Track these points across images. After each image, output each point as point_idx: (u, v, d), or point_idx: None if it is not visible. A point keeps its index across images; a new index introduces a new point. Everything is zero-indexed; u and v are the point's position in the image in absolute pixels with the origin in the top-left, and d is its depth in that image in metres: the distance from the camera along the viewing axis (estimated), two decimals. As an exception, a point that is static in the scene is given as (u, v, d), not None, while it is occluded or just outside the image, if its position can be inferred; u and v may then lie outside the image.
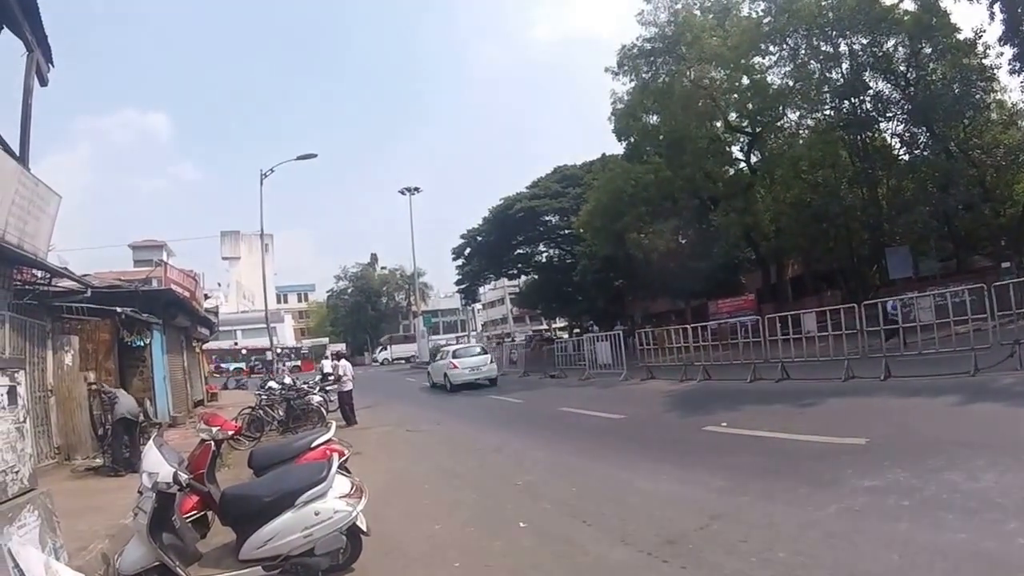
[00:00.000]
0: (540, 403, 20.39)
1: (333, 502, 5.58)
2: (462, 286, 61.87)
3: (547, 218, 52.67)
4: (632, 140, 37.86)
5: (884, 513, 5.81)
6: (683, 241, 38.84)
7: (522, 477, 9.61)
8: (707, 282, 38.33)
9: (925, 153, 32.00)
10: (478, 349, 33.79)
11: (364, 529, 5.90)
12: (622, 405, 16.39)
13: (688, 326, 21.67)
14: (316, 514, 5.46)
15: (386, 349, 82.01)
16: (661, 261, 35.83)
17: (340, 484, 5.80)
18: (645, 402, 16.94)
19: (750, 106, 34.32)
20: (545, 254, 57.73)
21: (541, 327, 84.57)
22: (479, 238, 56.05)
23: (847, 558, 5.00)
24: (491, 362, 30.39)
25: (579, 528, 6.80)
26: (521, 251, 56.71)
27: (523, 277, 62.96)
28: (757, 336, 18.07)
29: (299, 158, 36.22)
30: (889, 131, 33.82)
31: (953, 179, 28.75)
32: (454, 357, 30.28)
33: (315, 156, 36.58)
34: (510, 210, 51.91)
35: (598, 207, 37.58)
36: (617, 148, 40.27)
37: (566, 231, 50.94)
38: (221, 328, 45.05)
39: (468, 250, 57.68)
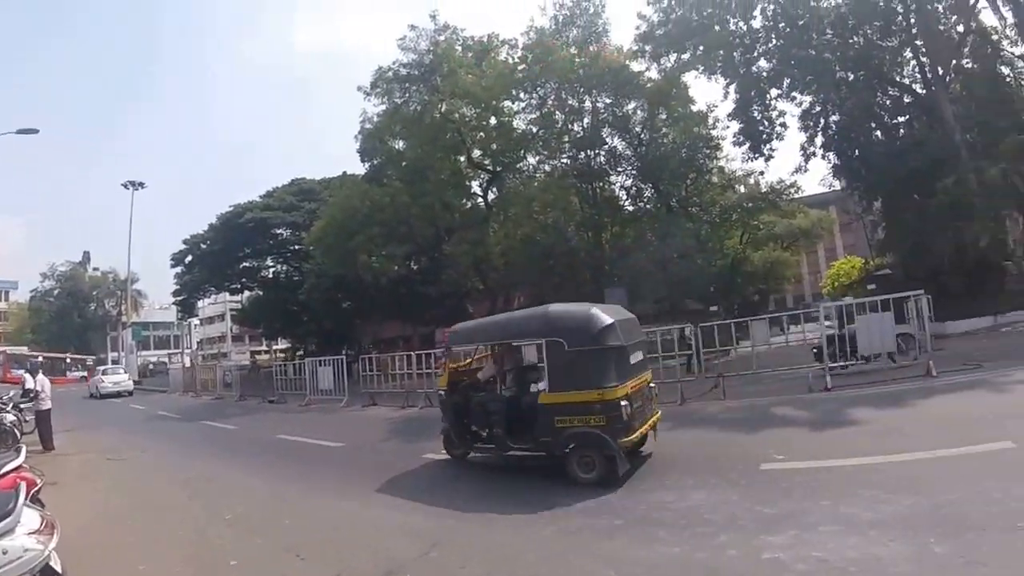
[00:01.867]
0: (256, 430, 19.48)
1: (23, 539, 5.02)
2: (179, 297, 56.02)
3: (279, 231, 50.12)
4: (376, 162, 37.88)
5: (599, 532, 6.23)
6: (415, 267, 39.37)
7: (234, 510, 9.17)
8: (436, 309, 39.05)
9: (648, 206, 35.86)
10: (121, 371, 47.52)
11: (59, 570, 5.36)
12: (343, 432, 16.19)
13: (412, 353, 21.96)
14: (4, 553, 4.88)
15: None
16: (391, 285, 36.01)
17: (29, 519, 5.24)
18: (366, 429, 16.86)
19: (494, 146, 35.67)
20: (273, 269, 55.19)
21: (261, 347, 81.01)
22: (203, 245, 51.51)
23: (565, 577, 5.21)
24: (128, 380, 44.37)
25: (294, 563, 6.62)
26: (247, 264, 53.36)
27: (247, 293, 59.69)
28: (481, 365, 18.61)
29: (19, 132, 32.08)
30: (618, 184, 37.26)
31: (671, 231, 32.05)
32: (103, 375, 44.18)
33: (36, 132, 32.48)
34: (240, 219, 48.68)
35: (331, 224, 36.44)
36: (361, 168, 40.05)
37: (297, 247, 48.96)
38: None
39: (190, 258, 52.82)
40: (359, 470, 11.53)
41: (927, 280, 23.08)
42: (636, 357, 9.59)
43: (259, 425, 20.70)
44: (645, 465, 8.87)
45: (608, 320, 8.88)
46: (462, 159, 36.92)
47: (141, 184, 59.71)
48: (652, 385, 10.19)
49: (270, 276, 55.10)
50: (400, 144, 36.75)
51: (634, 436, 8.64)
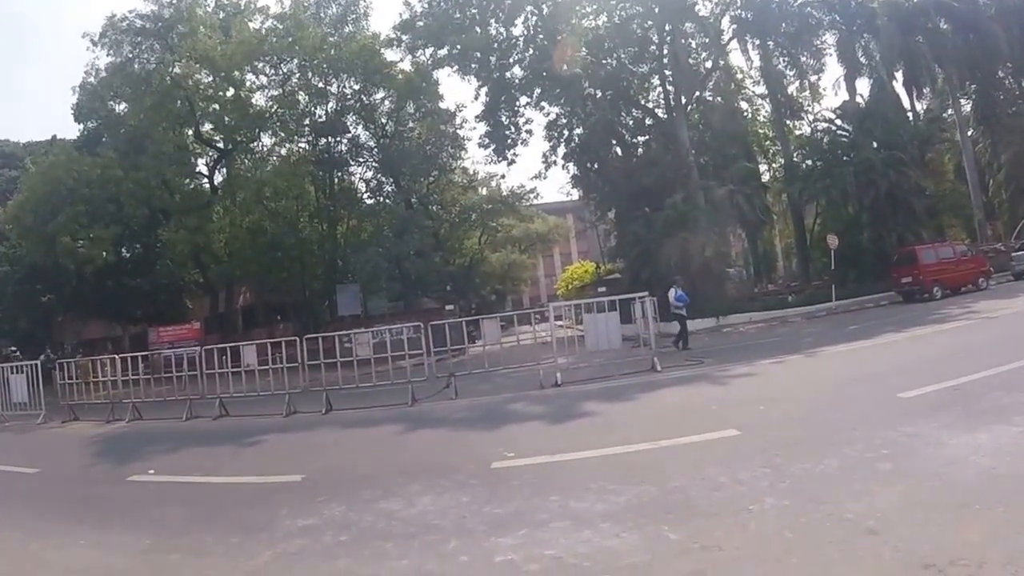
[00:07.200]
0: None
1: None
2: None
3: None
4: (92, 125, 33.71)
5: (321, 551, 5.56)
6: (126, 255, 34.90)
7: None
8: (150, 305, 35.21)
9: (387, 200, 35.04)
10: None
11: None
12: (36, 455, 13.39)
13: (118, 357, 18.85)
14: None
15: None
16: (98, 276, 31.05)
17: None
18: (65, 449, 14.22)
19: (228, 120, 32.88)
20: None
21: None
22: None
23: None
24: None
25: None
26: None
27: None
28: (196, 369, 16.47)
29: None
30: (358, 175, 36.20)
31: (409, 227, 31.69)
32: None
33: None
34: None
35: (31, 200, 30.54)
36: (75, 131, 35.37)
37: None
38: None
39: None
40: (55, 501, 9.36)
41: (653, 284, 24.30)
42: None
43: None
44: (372, 473, 8.20)
45: None
46: (190, 132, 33.92)
47: None
48: None
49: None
50: (123, 107, 32.79)
51: None
